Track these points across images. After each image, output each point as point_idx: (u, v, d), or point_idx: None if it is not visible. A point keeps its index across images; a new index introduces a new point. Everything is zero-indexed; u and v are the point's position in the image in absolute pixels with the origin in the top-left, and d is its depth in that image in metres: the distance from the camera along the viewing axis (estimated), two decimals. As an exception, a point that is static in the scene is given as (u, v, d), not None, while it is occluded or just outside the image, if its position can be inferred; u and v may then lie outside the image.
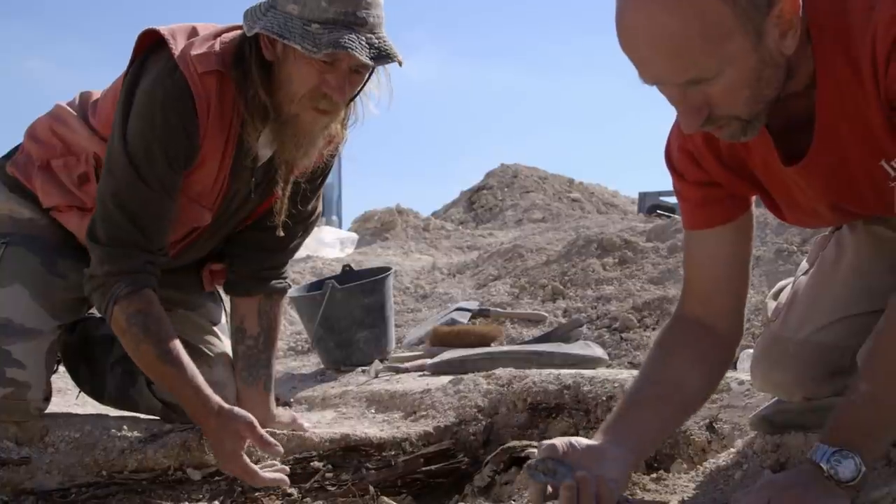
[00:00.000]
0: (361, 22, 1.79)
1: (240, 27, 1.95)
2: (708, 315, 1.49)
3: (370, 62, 1.80)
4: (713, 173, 1.44)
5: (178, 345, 1.92)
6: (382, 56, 1.81)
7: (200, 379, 1.93)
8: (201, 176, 1.98)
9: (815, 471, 1.25)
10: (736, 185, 1.44)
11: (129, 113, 1.90)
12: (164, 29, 1.93)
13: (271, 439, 1.90)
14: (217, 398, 1.92)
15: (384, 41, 1.82)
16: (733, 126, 1.26)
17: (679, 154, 1.47)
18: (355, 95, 1.92)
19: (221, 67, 1.90)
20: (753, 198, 1.50)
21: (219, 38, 1.94)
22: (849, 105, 1.26)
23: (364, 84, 1.90)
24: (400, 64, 1.85)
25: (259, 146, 2.00)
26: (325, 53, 1.77)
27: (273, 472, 1.91)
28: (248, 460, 1.89)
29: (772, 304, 1.74)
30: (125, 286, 1.90)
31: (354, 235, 7.55)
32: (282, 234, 2.10)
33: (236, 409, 1.92)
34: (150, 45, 1.95)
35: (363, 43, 1.77)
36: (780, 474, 1.37)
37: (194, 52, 1.89)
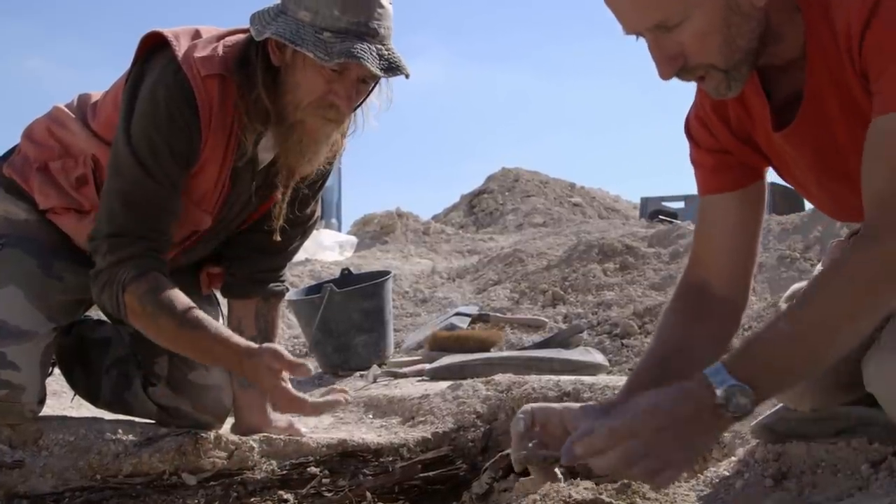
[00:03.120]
0: (373, 33, 1.80)
1: (243, 31, 1.95)
2: (715, 281, 1.50)
3: (381, 73, 1.81)
4: (723, 140, 1.46)
5: (194, 308, 1.90)
6: (392, 68, 1.82)
7: (224, 330, 1.92)
8: (202, 179, 1.98)
9: (703, 396, 1.17)
10: (745, 153, 1.46)
11: (132, 112, 1.90)
12: (167, 31, 1.93)
13: (297, 361, 1.88)
14: (243, 341, 1.91)
15: (393, 53, 1.83)
16: (715, 78, 1.28)
17: (695, 122, 1.50)
18: (359, 105, 1.92)
19: (224, 71, 1.89)
20: (767, 170, 1.51)
21: (222, 42, 1.94)
22: (835, 74, 1.27)
23: (368, 94, 1.91)
24: (407, 76, 1.85)
25: (260, 150, 1.99)
26: (337, 62, 1.77)
27: (322, 399, 1.91)
28: (291, 389, 1.88)
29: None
30: (132, 270, 1.89)
31: (354, 238, 7.53)
32: (279, 238, 2.10)
33: (263, 345, 1.90)
34: (152, 46, 1.94)
35: (374, 54, 1.78)
36: (657, 395, 1.22)
37: (197, 54, 1.88)
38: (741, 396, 1.16)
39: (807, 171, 1.42)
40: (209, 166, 1.96)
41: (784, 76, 1.33)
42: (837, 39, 1.24)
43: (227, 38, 1.95)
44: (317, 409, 1.94)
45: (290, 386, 1.89)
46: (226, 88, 1.90)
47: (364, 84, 1.87)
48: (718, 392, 1.17)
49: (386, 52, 1.81)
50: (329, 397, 1.91)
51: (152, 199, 1.90)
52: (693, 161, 1.53)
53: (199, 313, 1.90)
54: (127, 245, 1.90)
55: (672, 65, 1.26)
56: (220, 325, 1.93)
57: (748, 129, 1.44)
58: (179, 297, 1.90)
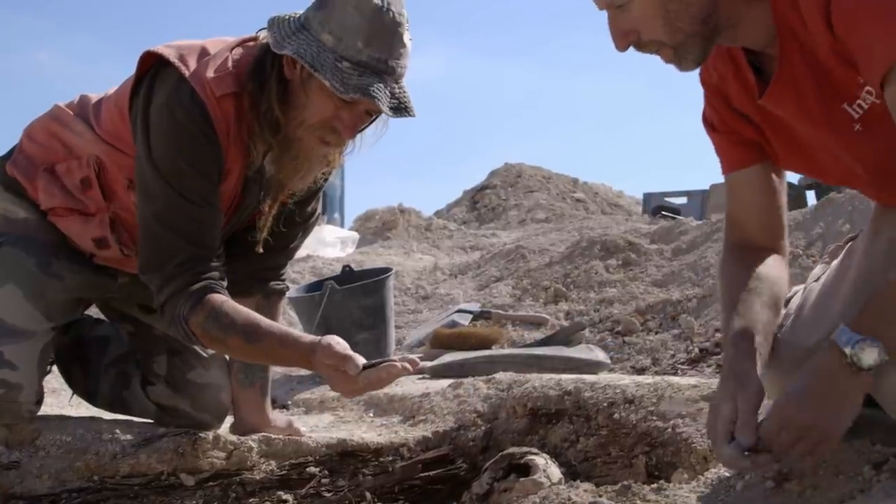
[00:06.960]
0: (390, 71, 1.81)
1: (250, 40, 1.95)
2: (754, 237, 1.61)
3: (390, 114, 1.82)
4: (728, 120, 1.56)
5: (257, 318, 1.87)
6: (401, 108, 1.83)
7: (289, 333, 1.88)
8: (221, 191, 1.97)
9: (834, 358, 1.24)
10: (747, 129, 1.54)
11: (148, 133, 1.88)
12: (169, 52, 1.90)
13: (346, 354, 1.76)
14: (308, 338, 1.85)
15: (404, 92, 1.84)
16: (667, 53, 1.41)
17: (708, 108, 1.60)
18: (359, 132, 1.93)
19: (237, 88, 1.89)
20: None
21: (231, 55, 1.93)
22: (806, 51, 1.35)
23: (370, 123, 1.93)
24: (413, 117, 1.86)
25: (267, 161, 1.99)
26: (351, 97, 1.78)
27: (388, 368, 1.76)
28: (351, 375, 1.75)
29: (782, 311, 1.71)
30: (187, 303, 1.86)
31: (355, 235, 7.53)
32: (261, 250, 2.08)
33: (321, 341, 1.80)
34: (155, 65, 1.92)
35: (387, 93, 1.79)
36: (796, 381, 1.32)
37: (209, 74, 1.88)
38: (870, 348, 1.21)
39: (794, 141, 1.47)
40: (228, 178, 1.96)
41: (766, 57, 1.44)
42: (804, 19, 1.31)
43: (234, 51, 1.94)
44: (375, 384, 1.79)
45: (350, 373, 1.75)
46: (241, 105, 1.90)
47: (369, 115, 1.89)
48: (847, 351, 1.22)
49: (398, 91, 1.82)
50: (399, 365, 1.75)
51: (188, 217, 1.88)
52: (714, 146, 1.62)
53: (262, 323, 1.87)
54: (176, 275, 1.87)
55: (625, 39, 1.40)
56: (284, 329, 1.89)
57: (746, 103, 1.51)
58: (240, 313, 1.87)
